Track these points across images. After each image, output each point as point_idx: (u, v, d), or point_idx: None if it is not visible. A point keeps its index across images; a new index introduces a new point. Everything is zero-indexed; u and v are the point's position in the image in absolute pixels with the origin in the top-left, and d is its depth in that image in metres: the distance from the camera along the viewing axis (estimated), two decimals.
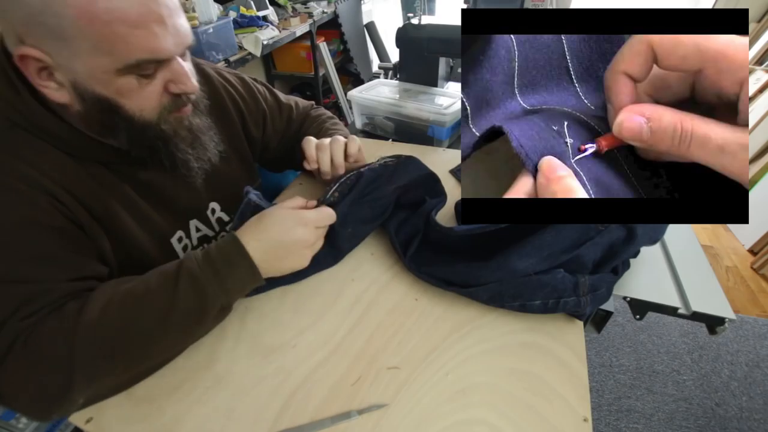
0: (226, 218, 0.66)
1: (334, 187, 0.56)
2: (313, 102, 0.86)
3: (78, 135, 0.46)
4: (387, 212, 0.64)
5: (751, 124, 2.00)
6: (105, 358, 0.40)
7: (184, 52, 0.47)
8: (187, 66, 0.47)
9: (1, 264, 0.39)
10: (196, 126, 0.51)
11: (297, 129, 0.78)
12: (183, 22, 0.44)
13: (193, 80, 0.47)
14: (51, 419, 0.42)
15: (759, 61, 2.27)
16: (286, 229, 0.48)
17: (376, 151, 0.93)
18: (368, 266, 0.60)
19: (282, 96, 0.79)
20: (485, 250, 0.55)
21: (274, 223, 0.49)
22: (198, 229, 0.61)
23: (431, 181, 0.66)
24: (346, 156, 0.62)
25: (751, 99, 2.14)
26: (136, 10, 0.39)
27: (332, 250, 0.59)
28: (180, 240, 0.58)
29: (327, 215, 0.53)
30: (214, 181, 0.61)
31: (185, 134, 0.50)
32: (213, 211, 0.63)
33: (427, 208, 0.63)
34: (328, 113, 0.83)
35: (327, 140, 0.63)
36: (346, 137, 0.67)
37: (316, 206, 0.54)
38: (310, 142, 0.63)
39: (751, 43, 2.38)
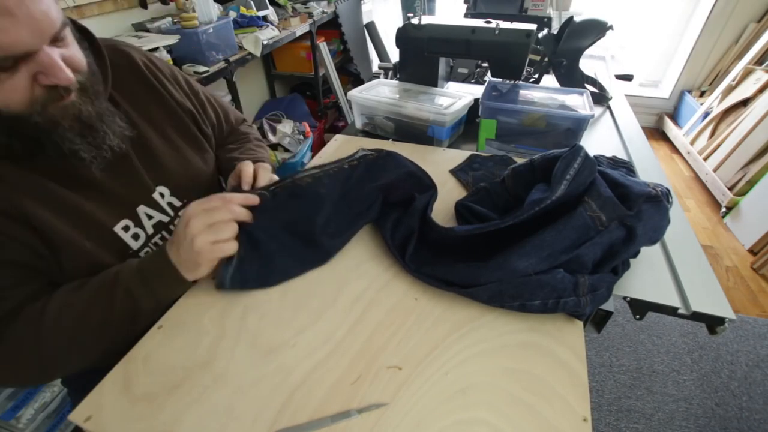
0: (177, 203, 0.63)
1: (277, 184, 0.58)
2: (245, 118, 0.86)
3: None
4: (373, 210, 0.65)
5: (751, 124, 2.00)
6: (67, 356, 0.49)
7: (58, 37, 0.42)
8: (64, 53, 0.43)
9: None
10: (86, 113, 0.47)
11: (224, 136, 0.78)
12: (42, 8, 0.39)
13: (66, 72, 0.42)
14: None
15: (759, 61, 2.27)
16: (183, 226, 0.49)
17: None
18: (368, 266, 0.60)
19: (215, 97, 0.78)
20: (485, 250, 0.55)
21: (179, 224, 0.50)
22: (149, 216, 0.59)
23: (415, 177, 0.67)
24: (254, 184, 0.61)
25: (751, 99, 2.14)
26: None
27: (315, 249, 0.60)
28: (126, 229, 0.56)
29: (225, 210, 0.50)
30: (158, 165, 0.59)
31: (71, 123, 0.46)
32: (162, 195, 0.61)
33: (419, 206, 0.63)
34: (256, 133, 0.83)
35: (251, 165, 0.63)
36: (263, 160, 0.71)
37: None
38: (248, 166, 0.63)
39: (751, 43, 2.38)
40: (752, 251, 1.85)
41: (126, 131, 0.54)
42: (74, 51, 0.46)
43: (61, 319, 0.48)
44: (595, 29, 1.13)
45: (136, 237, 0.58)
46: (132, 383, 0.45)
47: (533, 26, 0.90)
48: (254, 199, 0.54)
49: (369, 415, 0.42)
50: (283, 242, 0.57)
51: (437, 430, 0.41)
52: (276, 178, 0.62)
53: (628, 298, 0.56)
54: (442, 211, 0.72)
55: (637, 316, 0.58)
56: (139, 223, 0.58)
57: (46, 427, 1.09)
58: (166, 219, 0.62)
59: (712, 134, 2.35)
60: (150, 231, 0.60)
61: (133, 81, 0.59)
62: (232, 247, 0.51)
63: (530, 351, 0.48)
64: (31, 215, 0.47)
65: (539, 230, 0.52)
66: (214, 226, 0.49)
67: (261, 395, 0.44)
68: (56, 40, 0.42)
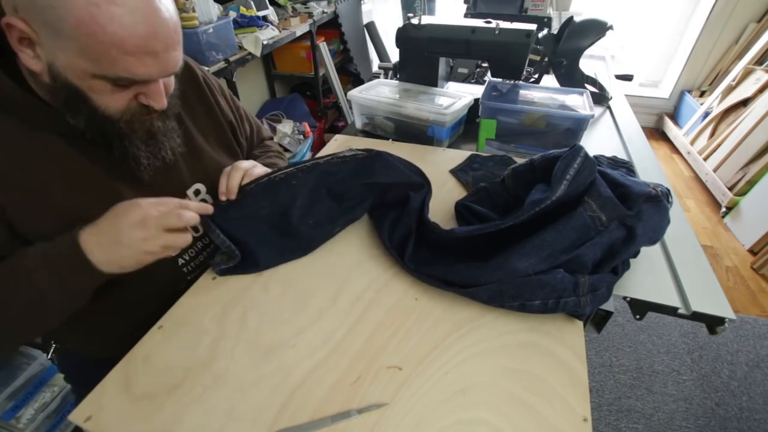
0: (210, 200, 0.67)
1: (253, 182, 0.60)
2: (272, 136, 0.92)
3: (37, 102, 0.46)
4: (363, 207, 0.67)
5: (751, 124, 2.00)
6: None
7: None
8: (166, 81, 0.49)
9: None
10: (157, 128, 0.52)
11: (252, 149, 0.82)
12: (176, 54, 0.46)
13: (164, 100, 0.48)
14: None
15: (759, 61, 2.27)
16: (123, 223, 0.46)
17: None
18: (368, 266, 0.60)
19: (248, 113, 0.82)
20: (485, 250, 0.55)
21: (116, 215, 0.47)
22: None
23: (405, 175, 0.67)
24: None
25: (751, 99, 2.14)
26: (134, 42, 0.40)
27: (295, 240, 0.62)
28: None
29: (175, 216, 0.48)
30: (200, 165, 0.64)
31: (142, 134, 0.51)
32: (197, 192, 0.64)
33: (415, 206, 0.64)
34: (278, 148, 0.87)
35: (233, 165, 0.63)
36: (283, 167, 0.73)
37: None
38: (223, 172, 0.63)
39: (751, 43, 2.38)
40: (752, 251, 1.85)
41: (180, 147, 0.58)
42: (172, 78, 0.52)
43: None
44: (595, 29, 1.13)
45: None
46: (132, 383, 0.45)
47: (533, 26, 0.90)
48: (207, 209, 0.55)
49: (369, 415, 0.42)
50: (262, 235, 0.60)
51: (437, 430, 0.41)
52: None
53: (628, 298, 0.56)
54: (442, 211, 0.72)
55: (637, 316, 0.58)
56: None
57: (46, 427, 1.10)
58: None
59: (712, 134, 2.35)
60: None
61: (188, 87, 0.65)
62: (159, 253, 0.48)
63: (530, 351, 0.48)
64: (46, 189, 0.48)
65: (539, 230, 0.52)
66: (158, 241, 0.48)
67: (261, 395, 0.44)
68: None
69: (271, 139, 0.91)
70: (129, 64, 0.42)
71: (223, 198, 0.59)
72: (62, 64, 0.42)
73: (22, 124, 0.46)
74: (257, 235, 0.60)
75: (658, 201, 0.53)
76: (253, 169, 0.63)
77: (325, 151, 0.94)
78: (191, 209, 0.51)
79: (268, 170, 0.65)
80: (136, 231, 0.46)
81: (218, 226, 0.57)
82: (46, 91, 0.46)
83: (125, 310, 0.60)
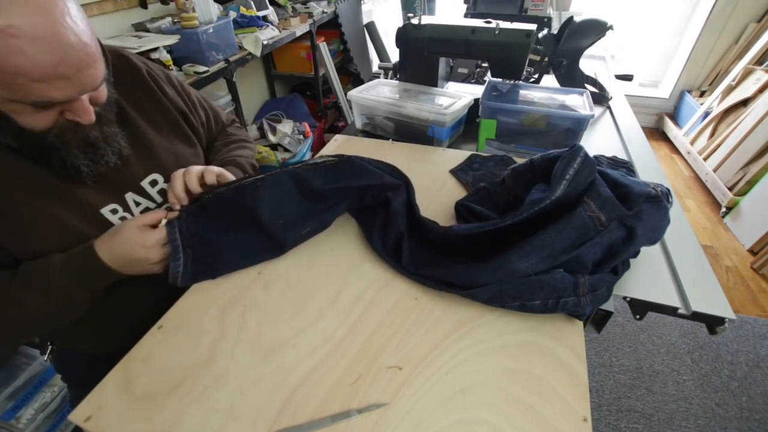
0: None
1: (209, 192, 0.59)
2: (236, 119, 0.90)
3: None
4: (337, 210, 0.66)
5: (751, 124, 2.00)
6: None
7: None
8: (93, 94, 0.48)
9: None
10: (94, 137, 0.52)
11: (213, 138, 0.81)
12: (92, 72, 0.45)
13: (91, 115, 0.48)
14: None
15: (759, 61, 2.27)
16: (130, 249, 0.52)
17: (376, 151, 0.93)
18: (368, 266, 0.60)
19: (206, 101, 0.81)
20: (485, 250, 0.55)
21: (122, 243, 0.53)
22: (137, 203, 0.63)
23: (379, 179, 0.66)
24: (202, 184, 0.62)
25: (751, 99, 2.14)
26: (40, 71, 0.40)
27: (269, 239, 0.61)
28: (114, 212, 0.60)
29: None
30: (153, 156, 0.64)
31: (76, 143, 0.51)
32: (154, 182, 0.65)
33: (397, 207, 0.63)
34: (243, 134, 0.85)
35: (181, 171, 0.62)
36: (248, 163, 0.75)
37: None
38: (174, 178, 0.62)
39: (751, 43, 2.38)
40: (752, 251, 1.85)
41: (125, 149, 0.59)
42: (101, 89, 0.51)
43: None
44: (595, 29, 1.13)
45: (123, 220, 0.61)
46: (132, 383, 0.45)
47: (533, 26, 0.90)
48: (158, 217, 0.56)
49: (369, 415, 0.42)
50: (233, 237, 0.60)
51: (437, 430, 0.41)
52: (231, 177, 0.64)
53: (628, 298, 0.56)
54: (442, 211, 0.72)
55: (637, 316, 0.58)
56: (127, 209, 0.61)
57: (46, 427, 1.10)
58: (153, 206, 0.65)
59: (712, 134, 2.35)
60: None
61: (132, 82, 0.64)
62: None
63: (530, 351, 0.48)
64: (13, 206, 0.50)
65: (539, 230, 0.52)
66: (162, 254, 0.55)
67: (261, 395, 0.44)
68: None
69: (234, 122, 0.89)
70: (41, 90, 0.41)
71: (176, 207, 0.58)
72: None
73: None
74: (224, 236, 0.60)
75: (657, 201, 0.53)
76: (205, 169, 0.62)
77: (324, 152, 0.94)
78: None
79: (220, 169, 0.63)
80: (144, 266, 0.54)
81: (179, 229, 0.56)
82: None
83: (124, 303, 0.61)
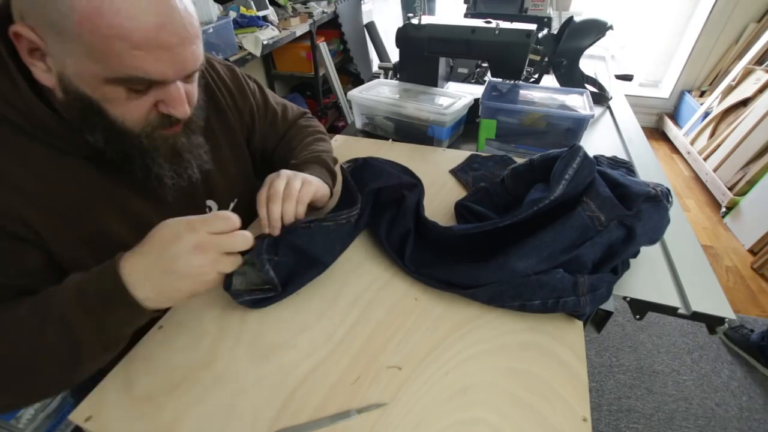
0: None
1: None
2: (307, 111, 0.84)
3: (66, 125, 0.44)
4: (365, 216, 0.64)
5: (751, 124, 2.00)
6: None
7: (189, 76, 0.45)
8: (188, 88, 0.45)
9: None
10: (181, 145, 0.49)
11: (281, 135, 0.77)
12: (194, 50, 0.42)
13: (186, 107, 0.44)
14: None
15: (759, 61, 2.27)
16: (176, 250, 0.39)
17: (376, 151, 0.93)
18: (368, 266, 0.60)
19: (272, 98, 0.77)
20: (485, 250, 0.55)
21: (163, 241, 0.40)
22: None
23: (397, 178, 0.66)
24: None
25: (751, 99, 2.14)
26: (142, 35, 0.37)
27: (318, 268, 0.57)
28: None
29: (240, 238, 0.43)
30: (209, 180, 0.61)
31: (166, 151, 0.48)
32: (209, 208, 0.62)
33: (410, 205, 0.63)
34: (317, 125, 0.80)
35: (281, 188, 0.54)
36: (330, 157, 0.69)
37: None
38: (260, 198, 0.55)
39: (751, 43, 2.38)
40: (752, 251, 1.85)
41: (207, 165, 0.54)
42: (194, 87, 0.48)
43: None
44: (595, 29, 1.13)
45: None
46: (132, 383, 0.45)
47: (533, 26, 0.90)
48: (235, 223, 0.44)
49: (369, 415, 0.42)
50: (293, 267, 0.55)
51: (437, 430, 0.41)
52: (315, 184, 0.59)
53: (628, 298, 0.56)
54: (442, 211, 0.72)
55: (637, 316, 0.58)
56: None
57: (46, 427, 1.09)
58: None
59: (712, 134, 2.35)
60: None
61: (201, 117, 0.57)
62: (215, 281, 0.43)
63: (530, 351, 0.48)
64: (94, 216, 0.47)
65: (538, 231, 0.52)
66: (215, 265, 0.42)
67: (261, 395, 0.44)
68: (187, 77, 0.45)
69: (306, 115, 0.82)
70: (139, 60, 0.38)
71: (266, 231, 0.52)
72: (72, 72, 0.39)
73: (50, 147, 0.44)
74: (290, 267, 0.54)
75: (657, 200, 0.53)
76: (293, 182, 0.55)
77: None
78: (236, 223, 0.43)
79: (310, 178, 0.58)
80: (195, 258, 0.39)
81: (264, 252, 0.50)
82: (61, 107, 0.43)
83: None
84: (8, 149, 0.42)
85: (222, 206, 0.64)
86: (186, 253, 0.39)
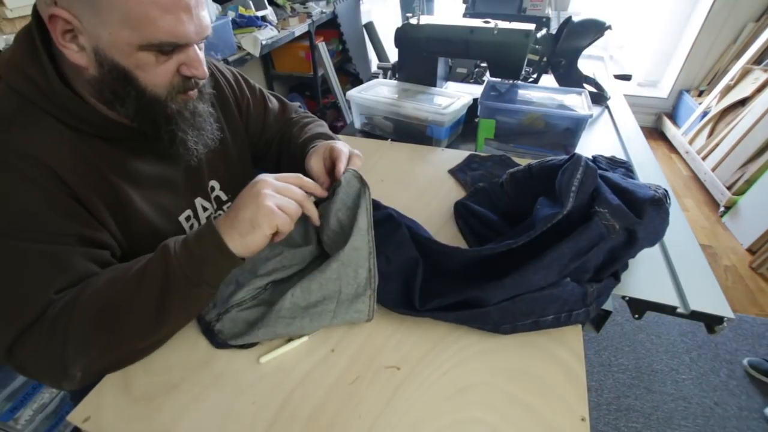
0: (224, 197, 0.68)
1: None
2: (301, 105, 0.88)
3: (89, 109, 0.47)
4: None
5: (749, 123, 2.01)
6: (92, 333, 0.43)
7: (201, 42, 0.49)
8: (201, 54, 0.50)
9: (28, 240, 0.42)
10: (199, 111, 0.53)
11: (277, 129, 0.79)
12: (205, 15, 0.47)
13: (205, 67, 0.50)
14: (62, 387, 0.53)
15: (757, 61, 2.28)
16: (250, 187, 0.48)
17: (375, 151, 0.93)
18: None
19: (270, 95, 0.80)
20: (496, 264, 0.53)
21: (247, 188, 0.49)
22: (204, 208, 0.63)
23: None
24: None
25: (750, 98, 2.14)
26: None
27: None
28: (188, 219, 0.60)
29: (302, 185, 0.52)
30: (213, 161, 0.64)
31: (188, 116, 0.52)
32: (212, 188, 0.65)
33: (406, 234, 0.59)
34: (309, 114, 0.84)
35: (346, 150, 0.62)
36: (330, 137, 0.71)
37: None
38: (337, 154, 0.60)
39: (750, 43, 2.38)
40: (751, 250, 1.85)
41: (217, 134, 0.58)
42: (202, 54, 0.52)
43: (98, 293, 0.44)
44: (594, 29, 1.13)
45: (192, 227, 0.62)
46: (131, 383, 0.45)
47: (532, 26, 0.91)
48: (321, 192, 0.55)
49: (368, 416, 0.42)
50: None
51: (436, 429, 0.41)
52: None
53: (627, 298, 0.56)
54: (441, 211, 0.72)
55: (636, 316, 0.58)
56: (196, 215, 0.62)
57: (44, 428, 1.09)
58: (213, 213, 0.66)
59: (711, 134, 2.36)
60: (202, 222, 0.63)
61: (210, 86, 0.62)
62: (288, 223, 0.48)
63: (529, 350, 0.48)
64: (122, 195, 0.51)
65: (550, 243, 0.50)
66: (282, 196, 0.49)
67: (259, 395, 0.44)
68: (199, 43, 0.49)
69: (300, 108, 0.86)
70: (169, 24, 0.42)
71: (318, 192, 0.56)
72: (106, 43, 0.42)
73: (78, 133, 0.48)
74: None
75: (660, 204, 0.53)
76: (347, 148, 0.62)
77: None
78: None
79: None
80: (255, 190, 0.47)
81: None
82: (92, 86, 0.46)
83: None
84: (47, 134, 0.46)
85: (224, 187, 0.67)
86: (258, 197, 0.47)
